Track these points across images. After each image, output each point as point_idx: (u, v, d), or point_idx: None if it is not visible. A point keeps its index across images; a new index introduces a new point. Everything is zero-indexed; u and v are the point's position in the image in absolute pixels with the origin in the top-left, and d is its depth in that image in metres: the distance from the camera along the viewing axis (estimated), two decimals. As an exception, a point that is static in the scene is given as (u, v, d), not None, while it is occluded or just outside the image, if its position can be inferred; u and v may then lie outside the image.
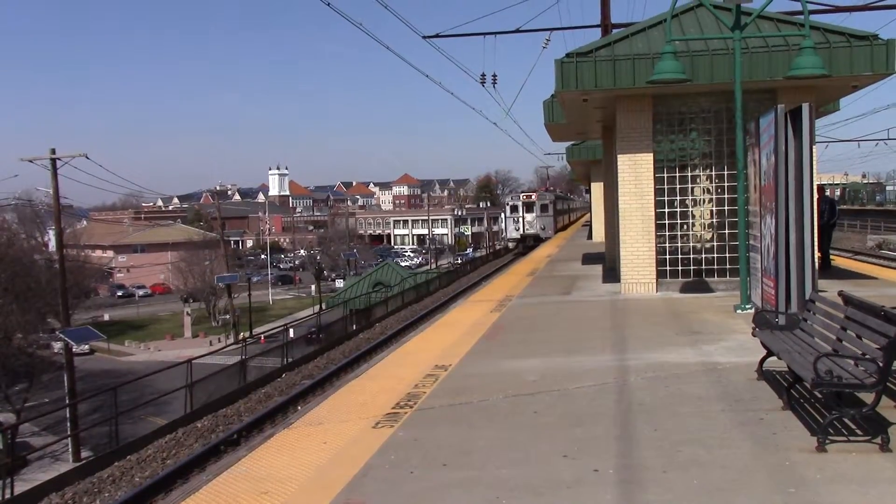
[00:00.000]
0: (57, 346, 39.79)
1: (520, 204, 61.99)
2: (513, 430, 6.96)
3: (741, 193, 13.01)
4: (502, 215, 68.29)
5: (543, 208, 61.04)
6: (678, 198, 16.02)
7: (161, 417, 27.48)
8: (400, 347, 11.79)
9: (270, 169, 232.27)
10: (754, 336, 8.37)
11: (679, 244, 16.13)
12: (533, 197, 62.92)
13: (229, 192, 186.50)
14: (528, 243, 56.93)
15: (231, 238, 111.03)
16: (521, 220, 61.21)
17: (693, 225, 16.13)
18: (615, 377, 8.81)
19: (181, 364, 25.19)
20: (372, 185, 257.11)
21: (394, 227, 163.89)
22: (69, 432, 27.25)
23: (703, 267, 16.13)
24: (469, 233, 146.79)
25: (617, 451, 6.23)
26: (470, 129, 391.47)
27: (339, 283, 73.26)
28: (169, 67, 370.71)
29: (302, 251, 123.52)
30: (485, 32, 26.95)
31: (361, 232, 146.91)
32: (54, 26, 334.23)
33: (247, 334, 54.52)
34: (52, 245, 49.79)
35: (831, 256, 19.94)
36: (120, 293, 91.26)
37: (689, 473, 5.66)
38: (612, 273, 19.28)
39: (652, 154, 15.67)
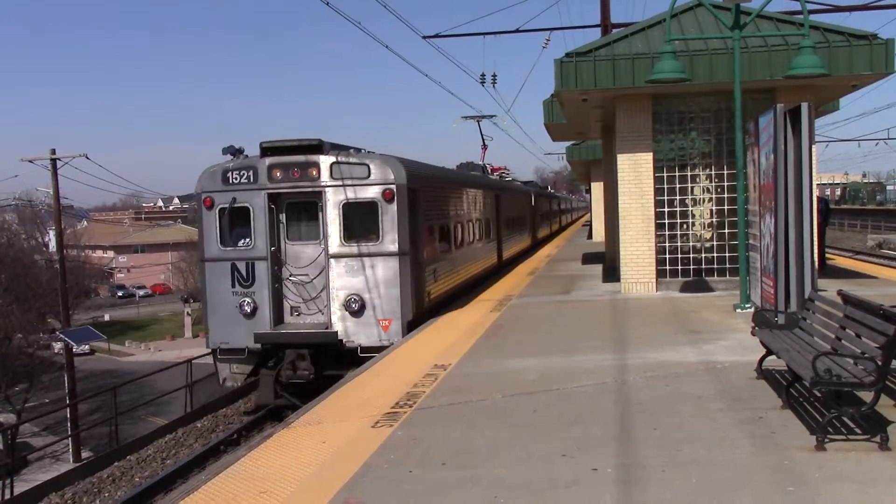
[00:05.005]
0: (57, 346, 39.79)
1: (258, 202, 13.20)
2: (512, 430, 6.96)
3: (741, 193, 13.01)
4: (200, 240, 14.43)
5: (363, 222, 13.05)
6: (678, 197, 16.03)
7: (161, 417, 27.51)
8: (399, 347, 11.80)
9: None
10: (754, 335, 8.38)
11: (679, 244, 16.15)
12: (321, 171, 12.80)
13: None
14: (294, 372, 13.35)
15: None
16: (253, 271, 13.54)
17: (693, 224, 16.14)
18: (615, 376, 8.81)
19: (181, 364, 25.18)
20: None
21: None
22: (69, 432, 27.26)
23: (703, 266, 16.15)
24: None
25: (616, 451, 6.23)
26: (469, 128, 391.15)
27: (340, 284, 72.94)
28: (169, 68, 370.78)
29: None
30: (484, 32, 26.90)
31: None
32: (54, 27, 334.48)
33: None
34: (53, 245, 49.75)
35: (827, 256, 20.05)
36: (120, 293, 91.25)
37: (689, 472, 5.65)
38: (612, 272, 19.27)
39: (652, 154, 15.68)
